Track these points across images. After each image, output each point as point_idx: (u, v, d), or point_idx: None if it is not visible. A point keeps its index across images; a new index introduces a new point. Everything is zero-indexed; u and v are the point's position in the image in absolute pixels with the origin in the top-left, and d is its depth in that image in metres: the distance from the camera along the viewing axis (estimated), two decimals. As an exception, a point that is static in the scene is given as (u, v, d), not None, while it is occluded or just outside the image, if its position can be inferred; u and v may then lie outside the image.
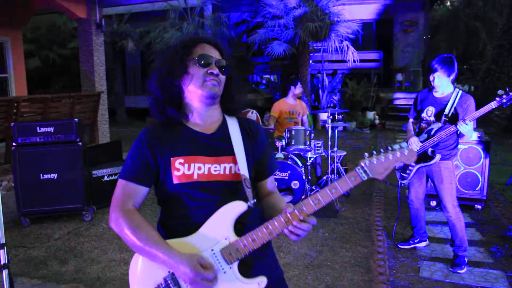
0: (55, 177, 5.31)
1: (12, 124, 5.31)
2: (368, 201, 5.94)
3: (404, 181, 4.24)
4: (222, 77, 1.72)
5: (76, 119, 5.43)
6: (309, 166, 6.01)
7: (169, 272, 1.58)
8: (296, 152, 5.82)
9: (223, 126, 1.76)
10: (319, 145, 6.10)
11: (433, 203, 5.59)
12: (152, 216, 5.19)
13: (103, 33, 9.25)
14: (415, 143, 4.01)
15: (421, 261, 4.08)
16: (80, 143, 5.40)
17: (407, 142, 4.14)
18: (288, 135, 5.76)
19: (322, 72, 14.50)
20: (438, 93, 4.00)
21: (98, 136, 9.22)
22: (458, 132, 3.80)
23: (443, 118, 3.89)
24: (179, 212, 1.67)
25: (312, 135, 5.89)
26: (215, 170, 1.67)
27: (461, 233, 3.95)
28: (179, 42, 1.78)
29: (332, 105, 13.65)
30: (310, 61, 14.30)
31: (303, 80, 13.27)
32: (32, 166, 5.26)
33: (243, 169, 1.68)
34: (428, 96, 4.10)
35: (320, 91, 13.58)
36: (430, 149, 3.95)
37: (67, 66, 16.32)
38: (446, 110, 3.89)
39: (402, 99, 14.86)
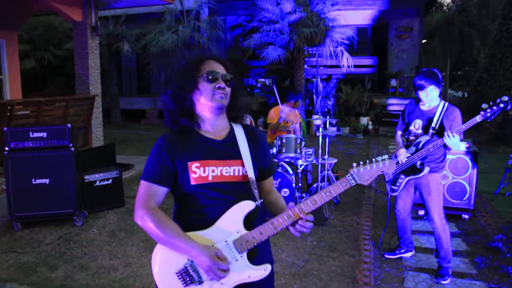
0: (47, 182, 5.35)
1: (5, 128, 5.34)
2: (357, 209, 6.00)
3: (394, 193, 4.30)
4: (228, 89, 1.97)
5: (69, 125, 5.47)
6: (299, 174, 6.06)
7: (188, 259, 1.85)
8: (286, 160, 5.88)
9: (231, 133, 2.02)
10: (310, 152, 6.16)
11: (421, 212, 5.66)
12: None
13: (98, 36, 9.28)
14: (403, 155, 4.08)
15: (406, 272, 4.15)
16: (73, 148, 5.43)
17: (395, 154, 4.21)
18: (279, 143, 5.82)
19: (316, 77, 14.57)
20: (424, 106, 4.06)
21: (92, 139, 9.24)
22: (445, 144, 3.85)
23: (431, 130, 3.95)
24: (195, 209, 1.92)
25: (303, 143, 5.95)
26: (226, 172, 1.93)
27: (446, 245, 4.02)
28: (189, 61, 2.02)
29: (326, 110, 13.74)
30: (305, 66, 14.38)
31: (297, 85, 13.35)
32: (24, 170, 5.30)
33: (250, 172, 1.96)
34: (415, 109, 4.16)
35: (314, 96, 13.65)
36: (418, 162, 4.00)
37: (62, 67, 16.33)
38: (433, 123, 3.95)
39: (396, 105, 14.96)
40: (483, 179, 7.41)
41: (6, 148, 5.26)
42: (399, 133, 4.40)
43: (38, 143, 5.36)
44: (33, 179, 5.31)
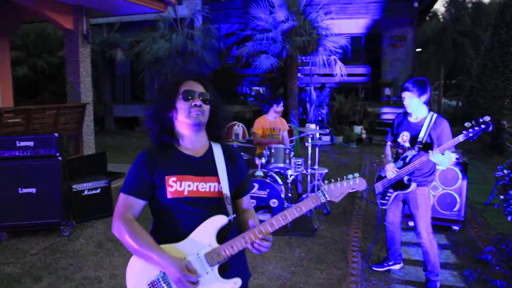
0: (34, 192, 5.30)
1: (-9, 137, 5.29)
2: (347, 220, 5.96)
3: (384, 207, 4.27)
4: (206, 107, 2.04)
5: (56, 134, 5.42)
6: (289, 184, 6.03)
7: (160, 271, 1.89)
8: (276, 170, 5.85)
9: (209, 151, 2.09)
10: (300, 163, 6.13)
11: (411, 223, 5.62)
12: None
13: (89, 45, 9.23)
14: (390, 170, 4.04)
15: (393, 284, 4.11)
16: (60, 157, 5.39)
17: (383, 169, 4.18)
18: (268, 153, 5.79)
19: (310, 85, 14.58)
20: (412, 118, 4.03)
21: (83, 147, 9.17)
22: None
23: (417, 145, 3.91)
24: (171, 222, 1.97)
25: (292, 153, 5.92)
26: (202, 188, 1.99)
27: (434, 259, 3.98)
28: (168, 82, 2.15)
29: (320, 118, 13.74)
30: (299, 75, 14.39)
31: (291, 94, 13.35)
32: (11, 180, 5.25)
33: (225, 188, 2.02)
34: (403, 120, 4.13)
35: (308, 105, 13.64)
36: (406, 177, 3.97)
37: (56, 74, 16.27)
38: (420, 136, 3.91)
39: (389, 113, 14.96)
40: (475, 189, 7.40)
41: (-7, 157, 5.20)
42: (389, 143, 4.37)
43: (25, 152, 5.31)
44: (19, 189, 5.27)
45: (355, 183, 1.96)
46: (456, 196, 5.53)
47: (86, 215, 5.85)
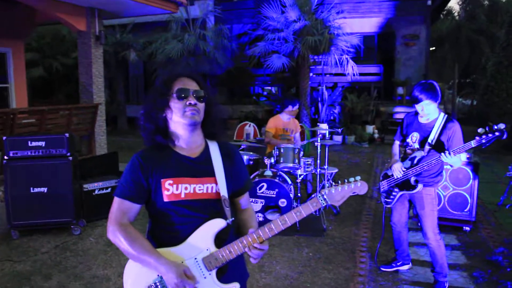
0: (45, 191, 5.38)
1: (4, 138, 5.37)
2: (357, 219, 5.93)
3: (389, 205, 4.24)
4: (201, 105, 1.96)
5: (67, 134, 5.49)
6: (299, 184, 6.02)
7: (158, 275, 1.87)
8: (285, 170, 5.84)
9: (206, 151, 2.03)
10: (309, 162, 6.11)
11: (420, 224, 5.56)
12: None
13: (102, 46, 9.34)
14: (397, 170, 4.00)
15: (401, 285, 4.08)
16: (71, 157, 5.45)
17: (390, 168, 4.14)
18: (277, 152, 5.79)
19: (322, 85, 14.53)
20: (423, 119, 3.97)
21: (96, 147, 9.28)
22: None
23: (427, 146, 3.86)
24: (167, 226, 1.93)
25: (302, 153, 5.91)
26: (199, 190, 1.94)
27: (441, 260, 3.94)
28: (161, 80, 2.02)
29: (332, 118, 13.68)
30: (311, 74, 14.35)
31: (303, 93, 13.32)
32: (23, 179, 5.33)
33: (223, 190, 1.97)
34: (414, 121, 4.07)
35: (320, 104, 13.59)
36: (413, 178, 3.92)
37: (70, 75, 16.47)
38: (430, 138, 3.85)
39: (402, 113, 14.82)
40: (488, 189, 7.31)
41: (5, 157, 5.29)
42: (397, 143, 4.33)
43: (37, 152, 5.38)
44: (31, 188, 5.34)
45: (357, 186, 1.91)
46: (467, 196, 5.46)
47: (97, 214, 5.90)
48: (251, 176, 5.75)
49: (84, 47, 9.14)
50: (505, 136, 3.38)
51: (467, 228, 5.48)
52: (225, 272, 1.94)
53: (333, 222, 5.81)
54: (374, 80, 16.01)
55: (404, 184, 3.99)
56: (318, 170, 6.04)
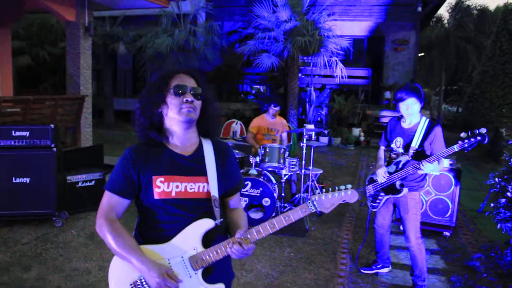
0: (28, 182, 5.32)
1: (-14, 126, 5.31)
2: (339, 221, 5.97)
3: (375, 210, 4.28)
4: (198, 103, 1.95)
5: (52, 125, 5.43)
6: (283, 184, 6.05)
7: None
8: (270, 169, 5.87)
9: (199, 149, 2.01)
10: (294, 162, 6.14)
11: (402, 228, 5.63)
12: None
13: (91, 37, 9.25)
14: (380, 175, 4.04)
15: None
16: (55, 149, 5.40)
17: (375, 173, 4.18)
18: (263, 151, 5.81)
19: (310, 86, 14.59)
20: (405, 123, 4.02)
21: (81, 139, 9.19)
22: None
23: (411, 151, 3.91)
24: (156, 223, 1.92)
25: (287, 153, 5.94)
26: (190, 189, 1.93)
27: (421, 264, 4.00)
28: (158, 75, 1.99)
29: (318, 119, 13.74)
30: (300, 75, 14.39)
31: (291, 94, 13.35)
32: (5, 169, 5.26)
33: (214, 190, 1.96)
34: (396, 126, 4.12)
35: (307, 105, 13.65)
36: (398, 182, 3.96)
37: (58, 65, 16.27)
38: (413, 143, 3.91)
39: (389, 117, 14.90)
40: (469, 196, 7.42)
41: (-12, 146, 5.23)
42: (382, 148, 4.37)
43: (21, 142, 5.32)
44: (13, 178, 5.28)
45: (347, 195, 1.93)
46: (449, 202, 5.55)
47: (80, 207, 5.85)
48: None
49: (73, 37, 9.05)
50: (486, 141, 3.45)
51: (447, 234, 5.56)
52: (211, 272, 1.93)
53: (315, 222, 5.85)
54: (362, 83, 16.12)
55: (390, 188, 4.03)
56: (302, 170, 6.07)
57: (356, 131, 13.82)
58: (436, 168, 3.75)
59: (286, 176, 6.04)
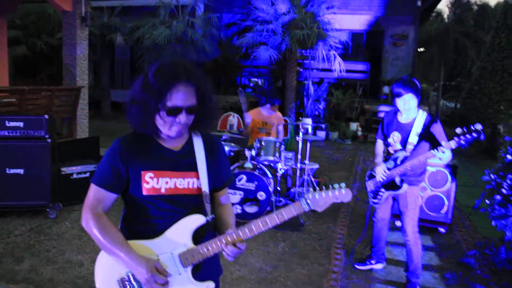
0: (22, 172, 5.28)
1: (-20, 117, 5.26)
2: (335, 216, 5.95)
3: (376, 205, 4.24)
4: (191, 117, 1.86)
5: (46, 116, 5.39)
6: (278, 177, 6.02)
7: None
8: (265, 163, 5.84)
9: (189, 143, 1.96)
10: (290, 157, 6.12)
11: (398, 223, 5.61)
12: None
13: (87, 27, 9.17)
14: (379, 174, 3.99)
15: (374, 284, 4.12)
16: (50, 140, 5.36)
17: (374, 170, 4.13)
18: (258, 145, 5.78)
19: (308, 80, 14.53)
20: (402, 118, 3.98)
21: (77, 130, 9.15)
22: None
23: (409, 146, 3.86)
24: (145, 218, 1.88)
25: (283, 146, 5.91)
26: (180, 184, 1.89)
27: (416, 259, 3.98)
28: (156, 78, 1.79)
29: (316, 113, 13.71)
30: (298, 68, 14.33)
31: (289, 87, 13.30)
32: (-2, 159, 5.23)
33: (204, 185, 1.92)
34: (393, 120, 4.07)
35: (305, 99, 13.60)
36: (398, 178, 3.91)
37: (54, 55, 16.15)
38: (411, 138, 3.87)
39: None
40: (466, 192, 7.40)
41: (-19, 136, 5.18)
42: (380, 141, 4.30)
43: (15, 132, 5.28)
44: (7, 169, 5.24)
45: (341, 194, 1.90)
46: (444, 198, 5.53)
47: (74, 199, 5.82)
48: (231, 168, 5.74)
49: (69, 27, 8.97)
50: (482, 137, 3.39)
51: (443, 230, 5.55)
52: (200, 269, 1.90)
53: (311, 217, 5.83)
54: (360, 77, 16.07)
55: (390, 184, 3.98)
56: (298, 165, 6.04)
57: (354, 126, 13.79)
58: (447, 156, 3.57)
59: (282, 170, 6.01)
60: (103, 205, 1.88)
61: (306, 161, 6.16)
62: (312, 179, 6.48)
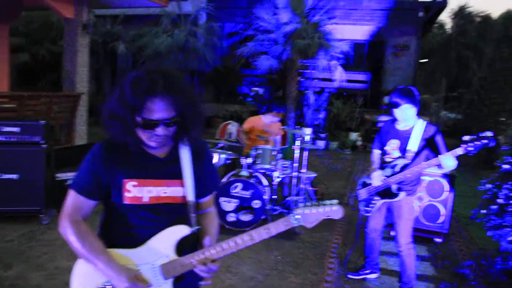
0: (16, 178, 5.26)
1: (-25, 122, 5.26)
2: (330, 225, 5.88)
3: (368, 214, 4.19)
4: (171, 129, 1.74)
5: (42, 121, 5.39)
6: (275, 186, 5.98)
7: None
8: (262, 171, 5.80)
9: (175, 149, 1.86)
10: (287, 165, 6.08)
11: (393, 233, 5.54)
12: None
13: (88, 35, 9.22)
14: (376, 179, 3.95)
15: (366, 293, 4.06)
16: (45, 145, 5.35)
17: (367, 178, 4.09)
18: (255, 153, 5.75)
19: (309, 89, 14.53)
20: (400, 126, 3.94)
21: (75, 137, 9.16)
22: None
23: (409, 154, 3.81)
24: (125, 227, 1.81)
25: (280, 155, 5.88)
26: (164, 193, 1.81)
27: (409, 270, 3.92)
28: (131, 88, 1.68)
29: (316, 123, 13.68)
30: (298, 78, 14.34)
31: (289, 96, 13.29)
32: (-7, 164, 5.22)
33: (190, 194, 1.84)
34: (391, 128, 4.03)
35: (305, 108, 13.59)
36: (395, 186, 3.86)
37: (56, 63, 16.25)
38: (411, 146, 3.82)
39: (387, 122, 14.89)
40: (464, 203, 7.32)
41: (-24, 141, 5.18)
42: (376, 151, 4.26)
43: (10, 137, 5.27)
44: (1, 174, 5.23)
45: (332, 210, 1.82)
46: (441, 208, 5.48)
47: (68, 205, 5.78)
48: (228, 176, 5.71)
49: (71, 34, 9.03)
50: (493, 144, 3.32)
51: (439, 240, 5.49)
52: (181, 281, 1.84)
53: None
54: (361, 87, 16.07)
55: (386, 192, 3.93)
56: (293, 173, 6.00)
57: (353, 136, 13.74)
58: (454, 163, 3.50)
59: (279, 179, 5.97)
60: (82, 212, 1.81)
61: (303, 170, 6.12)
62: (310, 188, 6.43)
